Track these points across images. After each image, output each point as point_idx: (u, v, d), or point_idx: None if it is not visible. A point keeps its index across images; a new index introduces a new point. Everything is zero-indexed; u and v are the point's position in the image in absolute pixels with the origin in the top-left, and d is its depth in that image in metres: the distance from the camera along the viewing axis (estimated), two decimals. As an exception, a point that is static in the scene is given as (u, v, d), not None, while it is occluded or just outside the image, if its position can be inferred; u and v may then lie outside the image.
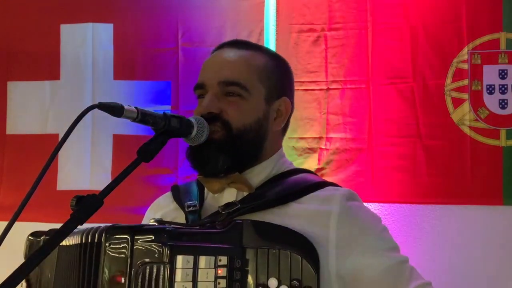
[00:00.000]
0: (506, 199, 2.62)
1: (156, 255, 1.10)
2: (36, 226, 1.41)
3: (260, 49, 1.49)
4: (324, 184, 1.37)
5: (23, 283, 1.37)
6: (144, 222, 1.52)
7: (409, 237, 2.67)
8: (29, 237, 1.41)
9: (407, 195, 2.71)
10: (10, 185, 2.98)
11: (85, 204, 1.08)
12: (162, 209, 1.48)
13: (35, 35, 3.03)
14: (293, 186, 1.35)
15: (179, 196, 1.45)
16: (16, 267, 0.98)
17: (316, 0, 2.83)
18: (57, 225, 1.07)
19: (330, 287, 1.24)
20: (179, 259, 1.10)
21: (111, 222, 1.34)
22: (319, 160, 2.78)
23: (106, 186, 1.11)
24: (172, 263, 1.09)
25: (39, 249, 1.01)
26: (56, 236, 1.04)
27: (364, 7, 2.78)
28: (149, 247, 1.11)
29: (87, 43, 3.00)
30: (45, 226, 1.42)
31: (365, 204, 1.41)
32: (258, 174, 1.38)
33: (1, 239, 1.08)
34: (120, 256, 1.12)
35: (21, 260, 1.00)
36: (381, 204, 2.71)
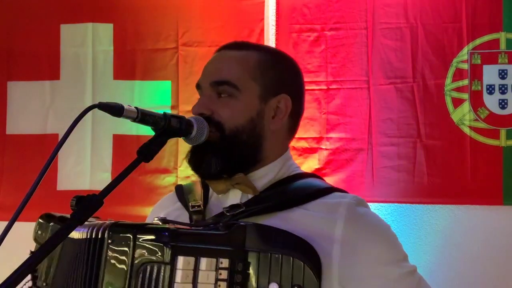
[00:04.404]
0: (506, 199, 2.62)
1: (157, 255, 1.09)
2: (36, 226, 1.41)
3: (257, 47, 1.47)
4: (330, 190, 1.34)
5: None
6: (148, 221, 1.52)
7: (409, 237, 2.67)
8: (39, 220, 1.40)
9: (407, 195, 2.71)
10: (10, 185, 2.98)
11: (85, 204, 1.08)
12: (166, 208, 1.47)
13: (35, 35, 3.03)
14: (299, 191, 1.33)
15: (183, 196, 1.44)
16: (16, 267, 0.98)
17: (316, 0, 2.83)
18: (57, 225, 1.08)
19: None
20: (180, 260, 1.09)
21: (111, 222, 1.35)
22: (319, 160, 2.78)
23: (106, 186, 1.11)
24: (173, 263, 1.09)
25: (39, 248, 1.02)
26: (56, 236, 1.04)
27: (364, 7, 2.78)
28: (150, 247, 1.10)
29: (87, 43, 3.00)
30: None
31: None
32: (263, 177, 1.36)
33: (1, 239, 1.08)
34: (121, 254, 1.12)
35: (21, 260, 1.00)
36: (381, 204, 2.71)
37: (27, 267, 0.98)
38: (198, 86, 1.39)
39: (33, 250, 1.32)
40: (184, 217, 1.37)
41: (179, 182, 2.84)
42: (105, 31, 2.99)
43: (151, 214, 1.54)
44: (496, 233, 2.64)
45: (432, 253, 2.65)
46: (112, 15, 2.99)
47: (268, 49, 1.50)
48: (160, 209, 1.50)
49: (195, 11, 2.93)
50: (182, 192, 1.45)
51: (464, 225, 2.67)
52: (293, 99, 1.39)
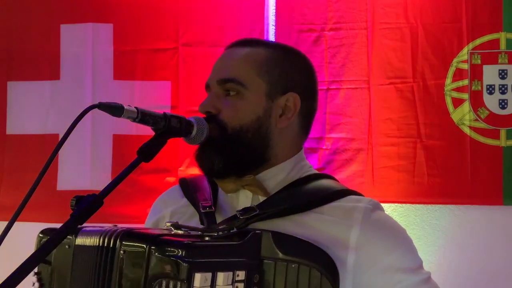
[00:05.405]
0: (506, 199, 2.62)
1: (172, 270, 1.04)
2: (36, 226, 1.40)
3: (267, 44, 1.45)
4: (346, 193, 1.33)
5: (35, 282, 1.35)
6: (150, 216, 1.49)
7: (409, 237, 2.67)
8: (40, 234, 1.36)
9: (407, 195, 2.71)
10: (10, 185, 2.98)
11: (85, 204, 1.07)
12: (172, 204, 1.44)
13: (35, 35, 3.02)
14: (313, 194, 1.31)
15: (189, 192, 1.41)
16: (16, 267, 0.98)
17: (316, 0, 2.83)
18: (57, 225, 1.08)
19: None
20: (197, 277, 1.03)
21: (111, 222, 1.34)
22: (319, 160, 2.78)
23: (106, 186, 1.11)
24: (190, 281, 1.03)
25: (40, 248, 1.02)
26: (56, 236, 1.04)
27: (364, 7, 2.78)
28: (165, 261, 1.05)
29: (87, 43, 3.00)
30: (45, 226, 1.42)
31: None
32: (273, 177, 1.33)
33: (1, 239, 1.08)
34: (134, 267, 1.09)
35: (21, 260, 1.00)
36: (381, 204, 2.71)
37: (27, 267, 0.98)
38: (207, 86, 1.37)
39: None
40: (193, 215, 1.35)
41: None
42: (105, 31, 2.99)
43: (154, 208, 1.50)
44: (496, 233, 2.64)
45: (432, 253, 2.65)
46: (112, 15, 2.99)
47: (278, 46, 1.47)
48: (165, 204, 1.47)
49: (195, 11, 2.93)
50: (187, 187, 1.42)
51: (464, 225, 2.67)
52: (303, 97, 1.37)
